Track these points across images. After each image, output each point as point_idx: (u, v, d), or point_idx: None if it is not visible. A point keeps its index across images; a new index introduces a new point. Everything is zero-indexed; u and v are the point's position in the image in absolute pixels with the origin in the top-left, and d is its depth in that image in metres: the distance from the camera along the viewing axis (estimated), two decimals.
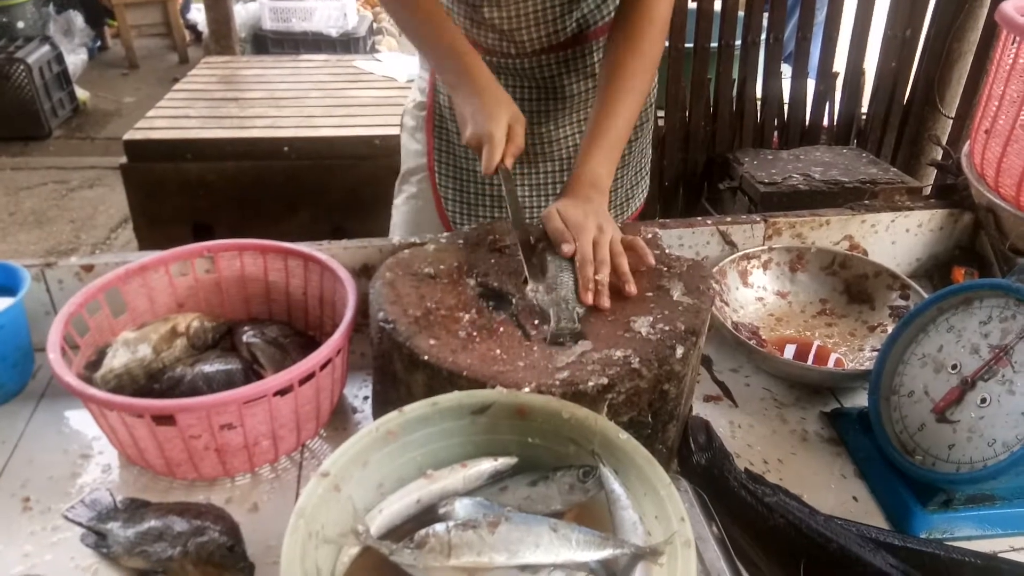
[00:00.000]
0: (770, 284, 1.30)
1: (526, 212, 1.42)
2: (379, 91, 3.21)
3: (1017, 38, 1.12)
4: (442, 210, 1.47)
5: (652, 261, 1.00)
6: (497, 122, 1.05)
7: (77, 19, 5.81)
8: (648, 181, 1.55)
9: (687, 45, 2.34)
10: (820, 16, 2.45)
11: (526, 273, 0.97)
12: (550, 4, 1.20)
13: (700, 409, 1.08)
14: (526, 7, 1.19)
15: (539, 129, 1.36)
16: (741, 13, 2.36)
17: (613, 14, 1.28)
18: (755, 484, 0.87)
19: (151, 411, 0.84)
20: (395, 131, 1.59)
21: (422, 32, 1.16)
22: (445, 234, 1.10)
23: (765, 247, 1.30)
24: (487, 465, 0.78)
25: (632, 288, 0.95)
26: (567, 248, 0.98)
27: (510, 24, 1.21)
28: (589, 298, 0.93)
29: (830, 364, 1.18)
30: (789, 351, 1.21)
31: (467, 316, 0.91)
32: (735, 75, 2.42)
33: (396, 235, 1.55)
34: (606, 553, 0.68)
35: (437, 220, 1.48)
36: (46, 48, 4.81)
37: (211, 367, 0.99)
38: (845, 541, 0.79)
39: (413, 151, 1.49)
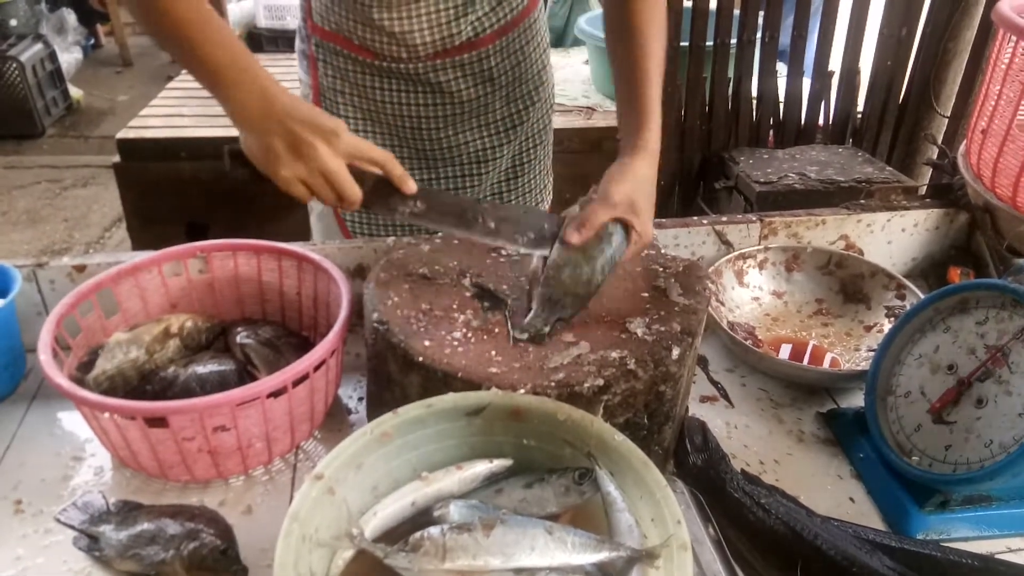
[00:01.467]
0: (766, 284, 1.29)
1: None
2: None
3: (1014, 37, 1.12)
4: (341, 221, 1.38)
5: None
6: (327, 115, 0.87)
7: (70, 17, 5.79)
8: None
9: (683, 43, 2.34)
10: (816, 14, 2.44)
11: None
12: (443, 7, 1.17)
13: (696, 410, 1.08)
14: (418, 9, 1.16)
15: (438, 135, 1.32)
16: (737, 11, 2.35)
17: (508, 18, 1.24)
18: (751, 485, 0.86)
19: (143, 413, 0.83)
20: None
21: (184, 34, 0.86)
22: (440, 235, 1.10)
23: (761, 247, 1.30)
24: (482, 467, 0.78)
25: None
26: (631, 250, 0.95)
27: (401, 27, 1.17)
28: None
29: (825, 364, 1.18)
30: (785, 351, 1.21)
31: (462, 317, 0.90)
32: (731, 73, 2.41)
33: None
34: (602, 556, 0.68)
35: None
36: (39, 46, 4.79)
37: (204, 368, 0.98)
38: (842, 542, 0.79)
39: None
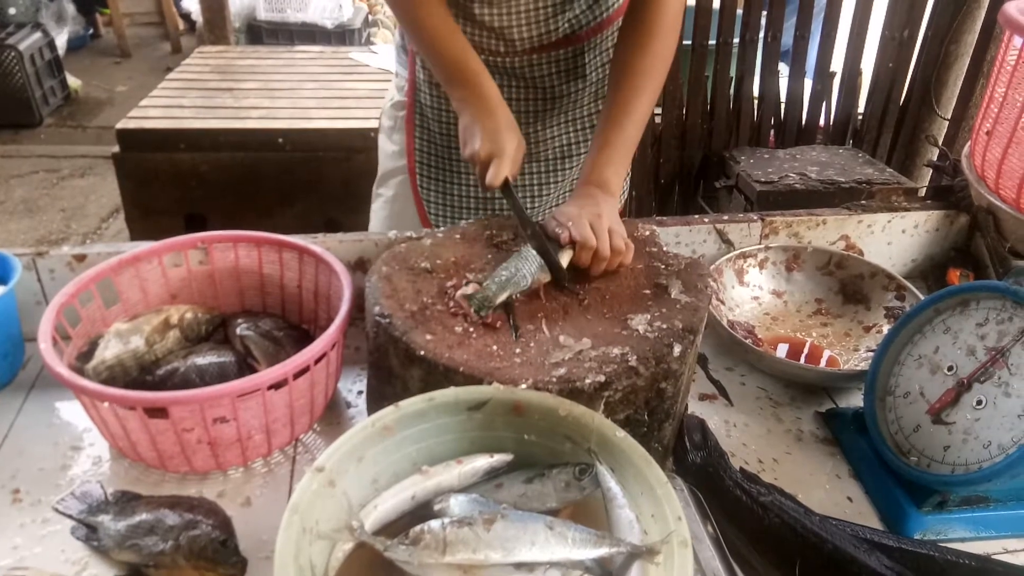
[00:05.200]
0: (766, 283, 1.29)
1: None
2: (374, 83, 3.19)
3: (1020, 39, 1.12)
4: (424, 214, 1.44)
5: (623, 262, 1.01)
6: (511, 141, 1.05)
7: (69, 7, 5.76)
8: (627, 183, 1.54)
9: (685, 42, 2.34)
10: (818, 15, 2.44)
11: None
12: (542, 4, 1.18)
13: (695, 408, 1.08)
14: (518, 5, 1.17)
15: (527, 129, 1.34)
16: (739, 11, 2.35)
17: (604, 15, 1.26)
18: (750, 483, 0.86)
19: (143, 403, 0.83)
20: None
21: (432, 43, 1.13)
22: (442, 228, 1.10)
23: (762, 246, 1.30)
24: (483, 462, 0.77)
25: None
26: (563, 235, 0.98)
27: (501, 22, 1.19)
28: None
29: (822, 363, 1.18)
30: (782, 350, 1.21)
31: (463, 311, 0.90)
32: (732, 73, 2.41)
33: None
34: (602, 551, 0.68)
35: (417, 223, 1.45)
36: (38, 35, 4.77)
37: (204, 359, 0.98)
38: (840, 541, 0.79)
39: (391, 152, 1.46)
